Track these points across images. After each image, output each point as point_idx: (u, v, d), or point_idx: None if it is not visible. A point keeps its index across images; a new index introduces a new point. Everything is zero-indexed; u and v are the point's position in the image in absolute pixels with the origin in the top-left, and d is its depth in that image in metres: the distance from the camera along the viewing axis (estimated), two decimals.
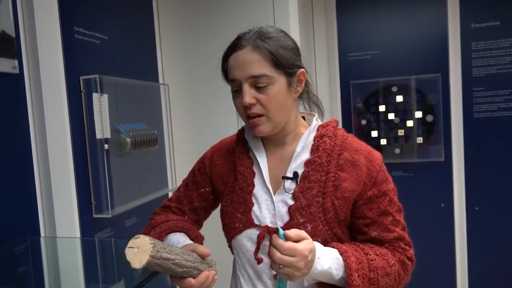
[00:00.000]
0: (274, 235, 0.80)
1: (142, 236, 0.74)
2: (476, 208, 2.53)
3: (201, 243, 1.07)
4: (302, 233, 0.81)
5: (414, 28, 2.54)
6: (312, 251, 0.81)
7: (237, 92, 0.93)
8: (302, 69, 0.96)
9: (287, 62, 0.91)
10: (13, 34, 1.34)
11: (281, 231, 0.79)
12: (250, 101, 0.90)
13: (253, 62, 0.89)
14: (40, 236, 1.42)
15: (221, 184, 1.05)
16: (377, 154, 0.97)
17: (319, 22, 2.70)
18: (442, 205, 2.58)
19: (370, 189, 0.93)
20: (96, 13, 1.65)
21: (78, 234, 1.47)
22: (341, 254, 0.87)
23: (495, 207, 2.50)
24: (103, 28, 1.68)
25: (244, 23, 2.10)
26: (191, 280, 0.85)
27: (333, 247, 0.89)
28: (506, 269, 2.50)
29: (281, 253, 0.78)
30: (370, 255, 0.89)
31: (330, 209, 0.91)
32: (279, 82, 0.91)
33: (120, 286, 1.34)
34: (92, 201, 1.56)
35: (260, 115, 0.91)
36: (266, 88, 0.90)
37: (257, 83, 0.89)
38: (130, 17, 1.90)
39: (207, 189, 1.09)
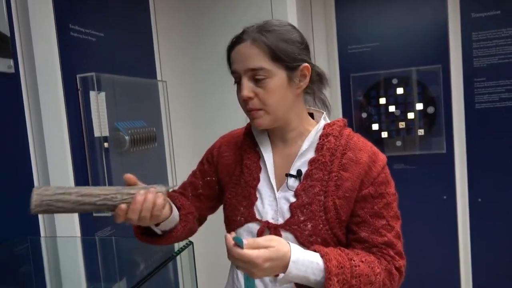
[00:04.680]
0: (229, 239, 0.79)
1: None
2: (479, 200, 2.52)
3: (191, 216, 1.04)
4: (263, 241, 0.80)
5: (414, 19, 2.51)
6: (270, 260, 0.78)
7: (238, 84, 0.94)
8: (306, 64, 0.94)
9: (287, 56, 0.90)
10: (8, 33, 1.33)
11: (238, 239, 0.79)
12: (248, 94, 0.90)
13: (251, 56, 0.89)
14: (40, 236, 1.42)
15: (226, 175, 1.04)
16: (382, 156, 0.95)
17: (318, 14, 2.68)
18: (445, 197, 2.56)
19: (366, 187, 0.91)
20: (91, 10, 1.64)
21: (78, 233, 1.47)
22: (321, 256, 0.83)
23: (498, 198, 2.49)
24: (99, 26, 1.67)
25: (241, 17, 2.10)
26: (122, 206, 0.80)
27: (315, 250, 0.86)
28: (510, 260, 2.50)
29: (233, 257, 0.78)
30: (354, 260, 0.85)
31: (331, 209, 0.90)
32: (278, 76, 0.90)
33: (121, 285, 1.34)
34: None
35: (258, 109, 0.91)
36: (264, 81, 0.89)
37: (256, 76, 0.90)
38: (126, 14, 1.88)
39: (213, 179, 1.08)
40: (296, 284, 0.87)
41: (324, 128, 0.97)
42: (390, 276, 0.88)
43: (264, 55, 0.89)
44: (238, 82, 0.94)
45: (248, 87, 0.90)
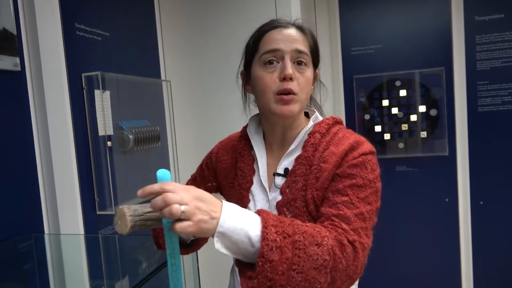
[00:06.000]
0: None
1: (119, 208, 0.74)
2: (481, 203, 2.52)
3: None
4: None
5: (418, 22, 2.52)
6: (199, 197, 0.71)
7: (269, 65, 0.91)
8: (318, 71, 1.00)
9: (318, 54, 0.97)
10: (14, 32, 1.34)
11: (165, 172, 0.73)
12: (292, 73, 0.89)
13: (299, 39, 0.92)
14: (44, 233, 1.42)
15: (223, 179, 1.05)
16: (366, 146, 0.91)
17: (322, 16, 2.68)
18: (447, 199, 2.56)
19: (337, 168, 0.87)
20: (97, 10, 1.65)
21: (82, 231, 1.47)
22: (258, 213, 0.76)
23: (500, 201, 2.49)
24: (105, 25, 1.68)
25: (245, 18, 2.11)
26: None
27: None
28: (511, 263, 2.50)
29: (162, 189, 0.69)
30: (295, 220, 0.77)
31: (311, 202, 0.88)
32: (311, 68, 0.94)
33: (124, 283, 1.34)
34: (96, 198, 1.56)
35: (293, 94, 0.90)
36: (304, 68, 0.91)
37: (299, 58, 0.90)
38: (131, 14, 1.89)
39: (214, 184, 1.09)
40: (238, 263, 0.79)
41: (314, 127, 0.97)
42: (341, 247, 0.76)
43: (307, 44, 0.93)
44: (270, 61, 0.90)
45: (292, 66, 0.90)
